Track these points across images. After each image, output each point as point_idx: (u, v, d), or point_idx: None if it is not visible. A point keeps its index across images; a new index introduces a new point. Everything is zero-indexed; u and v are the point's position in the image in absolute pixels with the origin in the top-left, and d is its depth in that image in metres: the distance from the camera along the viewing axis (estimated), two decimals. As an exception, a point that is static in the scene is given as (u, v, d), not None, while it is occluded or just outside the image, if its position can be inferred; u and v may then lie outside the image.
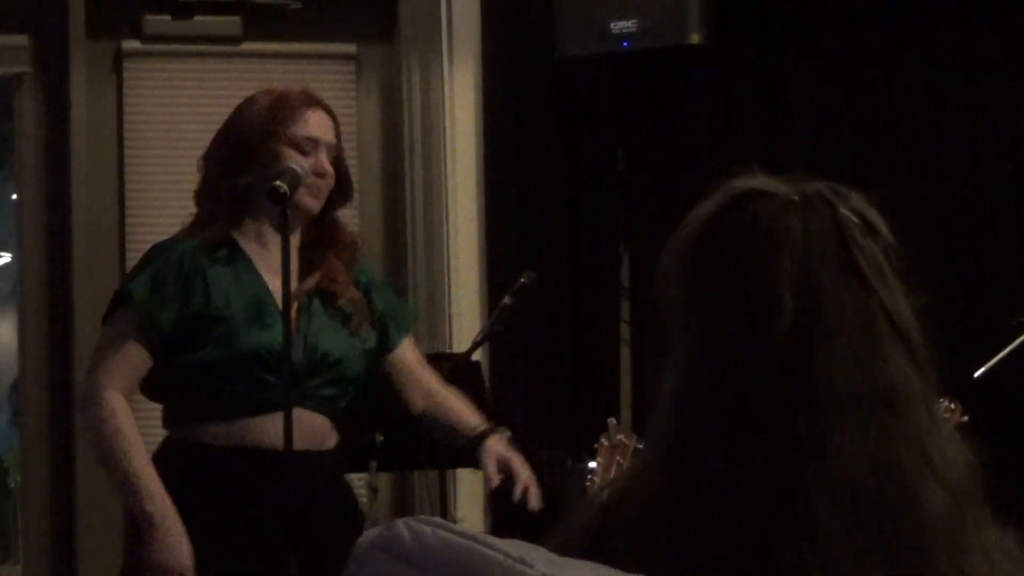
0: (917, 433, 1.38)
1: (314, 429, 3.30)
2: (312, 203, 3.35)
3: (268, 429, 3.22)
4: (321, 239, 3.42)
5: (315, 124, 3.38)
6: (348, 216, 5.66)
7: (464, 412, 3.53)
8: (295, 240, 3.36)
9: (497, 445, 3.46)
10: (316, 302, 3.37)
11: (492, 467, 3.42)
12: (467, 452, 3.56)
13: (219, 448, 3.26)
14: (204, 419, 3.28)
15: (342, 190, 3.44)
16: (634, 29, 5.55)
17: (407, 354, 3.53)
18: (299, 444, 3.16)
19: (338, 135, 3.42)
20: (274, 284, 3.25)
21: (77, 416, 5.44)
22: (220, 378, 3.26)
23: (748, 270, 1.40)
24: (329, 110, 3.43)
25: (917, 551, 1.34)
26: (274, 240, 3.30)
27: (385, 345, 3.48)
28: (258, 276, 3.34)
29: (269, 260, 3.33)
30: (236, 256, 3.35)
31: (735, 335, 1.39)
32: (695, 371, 1.41)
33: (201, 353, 3.26)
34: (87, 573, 5.44)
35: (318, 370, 3.32)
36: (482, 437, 3.47)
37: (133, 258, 5.54)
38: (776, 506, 1.33)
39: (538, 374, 5.78)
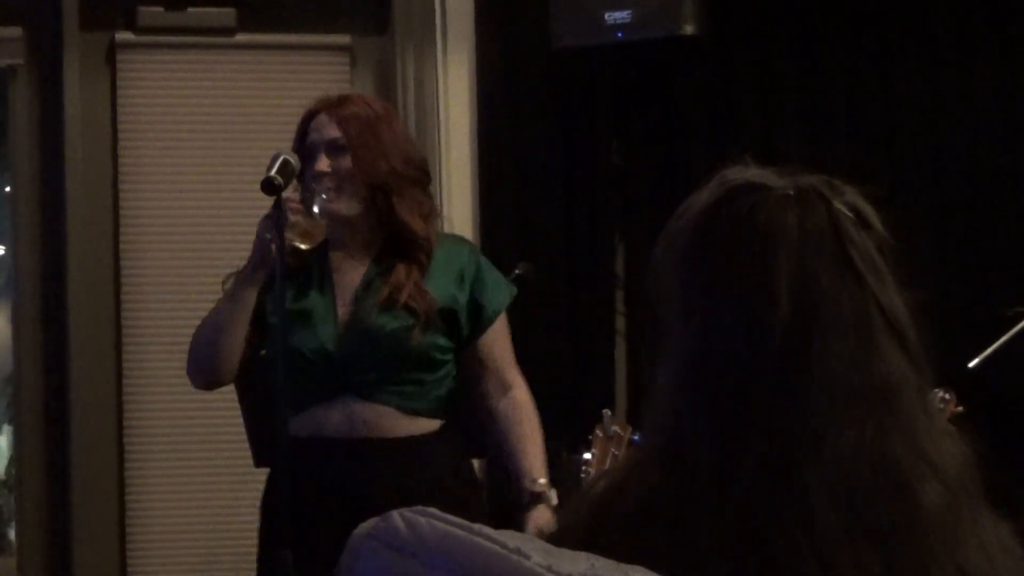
0: (913, 427, 1.38)
1: (368, 419, 3.32)
2: (330, 207, 3.33)
3: (320, 420, 3.27)
4: (394, 245, 3.40)
5: (313, 128, 3.40)
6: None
7: (523, 459, 3.47)
8: (372, 247, 3.38)
9: (540, 519, 3.39)
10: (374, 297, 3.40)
11: None
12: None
13: (296, 439, 3.39)
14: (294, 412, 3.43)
15: (378, 186, 3.39)
16: (628, 20, 5.54)
17: (478, 354, 3.50)
18: (358, 433, 3.32)
19: (351, 130, 3.38)
20: (340, 276, 3.40)
21: (72, 415, 5.45)
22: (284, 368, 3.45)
23: (745, 266, 1.40)
24: (334, 105, 3.42)
25: (913, 545, 1.34)
26: (355, 235, 3.39)
27: (460, 342, 3.48)
28: (327, 278, 3.40)
29: (345, 264, 3.42)
30: (323, 259, 3.42)
31: (733, 331, 1.39)
32: (692, 366, 1.41)
33: (267, 351, 3.47)
34: (82, 566, 5.44)
35: (360, 360, 3.33)
36: (530, 503, 3.41)
37: (127, 250, 5.54)
38: (773, 502, 1.34)
39: (533, 364, 5.74)
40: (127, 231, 5.56)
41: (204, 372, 3.46)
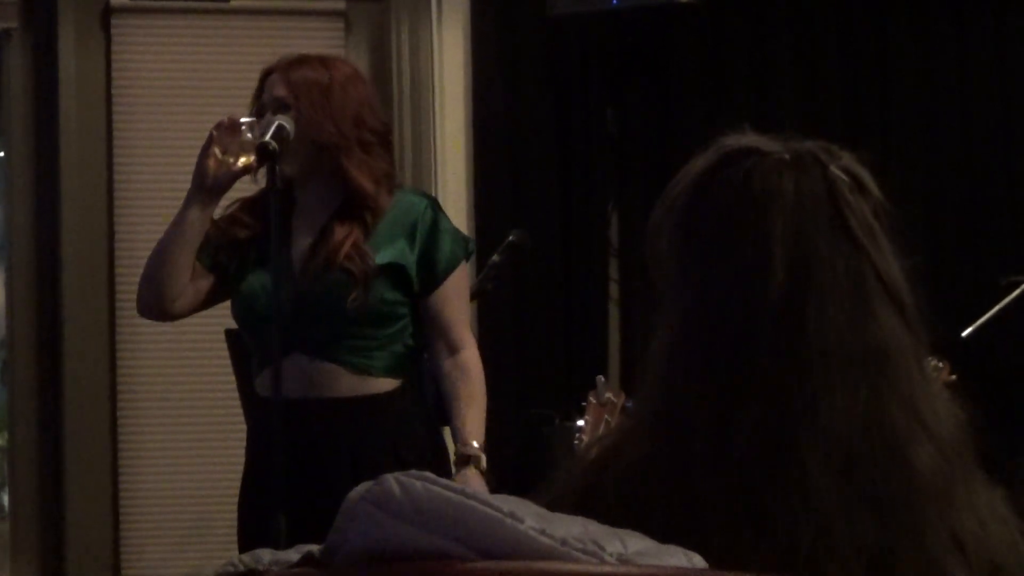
0: (908, 392, 1.38)
1: (314, 377, 3.32)
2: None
3: (267, 380, 3.28)
4: (349, 207, 3.39)
5: (266, 87, 3.41)
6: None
7: (460, 420, 3.44)
8: (328, 210, 3.39)
9: (467, 481, 3.34)
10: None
11: None
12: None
13: (260, 399, 3.41)
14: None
15: (324, 146, 3.38)
16: (624, -14, 5.54)
17: (429, 311, 3.46)
18: (305, 392, 3.29)
19: (297, 90, 3.38)
20: (297, 239, 3.40)
21: (65, 368, 5.45)
22: (242, 328, 3.48)
23: (741, 230, 1.40)
24: (287, 65, 3.42)
25: (908, 509, 1.34)
26: (314, 198, 3.40)
27: (413, 297, 3.45)
28: (288, 231, 3.40)
29: (304, 225, 3.42)
30: (287, 221, 3.42)
31: (728, 295, 1.39)
32: (687, 330, 1.41)
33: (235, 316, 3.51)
34: (75, 530, 5.45)
35: (304, 314, 3.32)
36: (460, 464, 3.39)
37: (121, 214, 5.54)
38: (768, 466, 1.34)
39: (527, 332, 5.79)
40: (121, 195, 5.55)
41: (142, 298, 3.44)
